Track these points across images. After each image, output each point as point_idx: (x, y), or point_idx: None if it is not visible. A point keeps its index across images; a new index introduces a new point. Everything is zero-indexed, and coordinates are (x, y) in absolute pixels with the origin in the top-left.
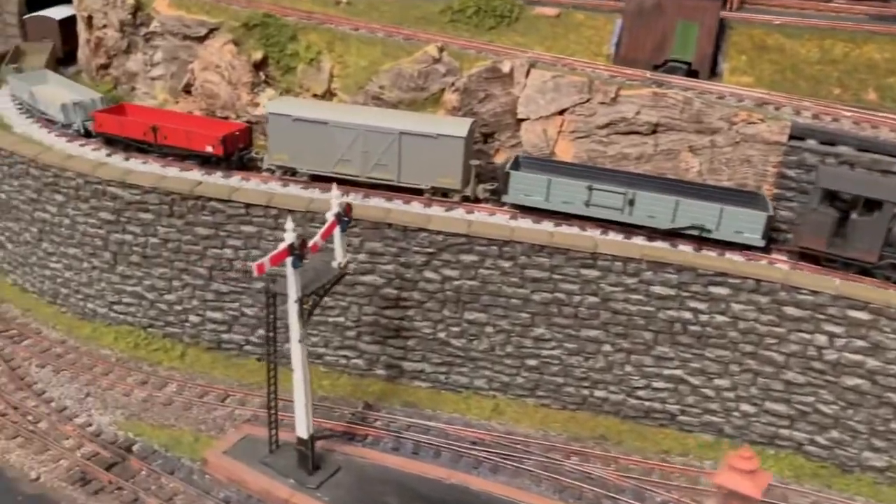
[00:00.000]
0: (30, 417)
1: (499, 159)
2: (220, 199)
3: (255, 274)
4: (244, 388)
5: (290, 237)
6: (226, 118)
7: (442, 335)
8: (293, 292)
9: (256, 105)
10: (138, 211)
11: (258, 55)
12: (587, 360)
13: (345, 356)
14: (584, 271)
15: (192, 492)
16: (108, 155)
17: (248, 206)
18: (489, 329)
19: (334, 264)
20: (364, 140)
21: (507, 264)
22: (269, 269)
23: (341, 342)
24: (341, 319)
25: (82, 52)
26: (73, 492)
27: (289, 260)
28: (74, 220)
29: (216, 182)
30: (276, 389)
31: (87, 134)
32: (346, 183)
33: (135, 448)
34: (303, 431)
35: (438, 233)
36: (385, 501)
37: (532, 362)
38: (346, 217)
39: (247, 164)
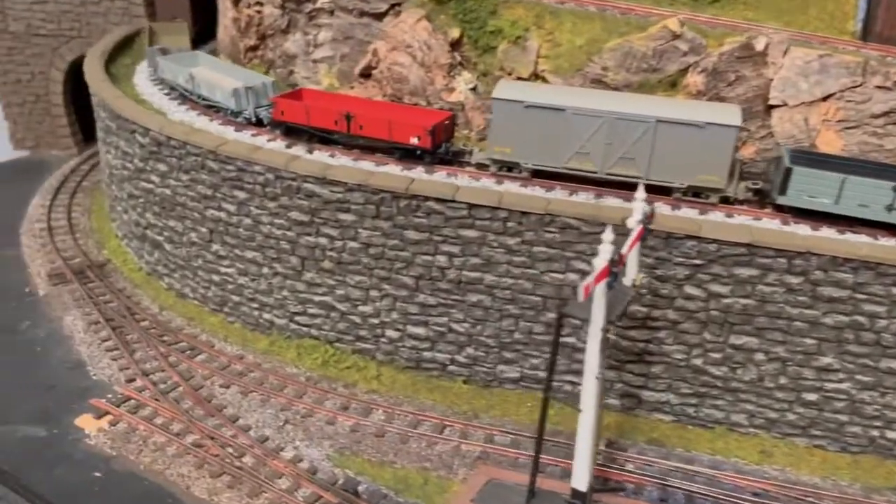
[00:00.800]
0: (229, 450)
1: (746, 153)
2: (440, 199)
3: (581, 298)
4: (458, 416)
5: (607, 251)
6: (414, 105)
7: (697, 362)
8: (600, 318)
9: (452, 91)
10: (337, 211)
11: (455, 33)
12: (884, 395)
13: (570, 381)
14: None
15: None
16: (288, 147)
17: (471, 206)
18: (760, 356)
19: (626, 282)
20: (610, 130)
21: (795, 280)
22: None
23: (568, 366)
24: (571, 339)
25: (225, 33)
26: None
27: (603, 282)
28: (257, 219)
29: (433, 179)
30: (543, 428)
31: (259, 122)
32: (573, 179)
33: (360, 490)
34: (581, 482)
35: (712, 241)
36: None
37: (811, 396)
38: (649, 225)
39: (451, 159)
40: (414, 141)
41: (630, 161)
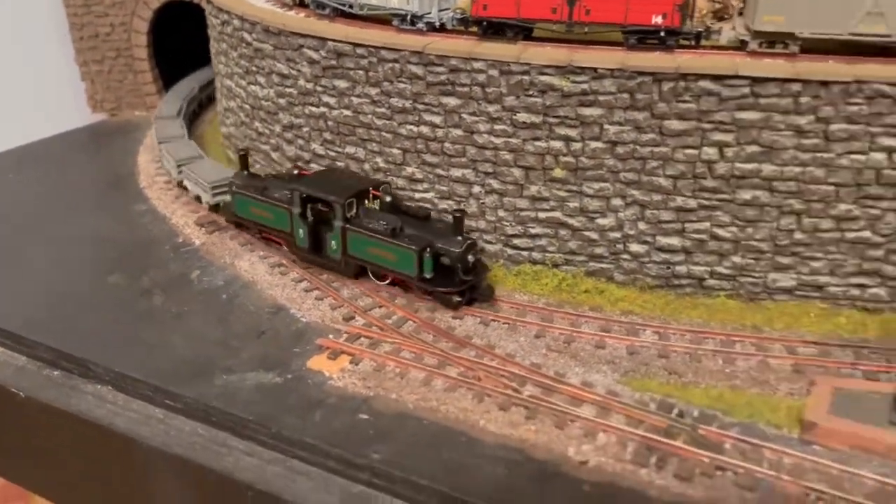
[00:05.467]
0: (504, 380)
1: None
2: (718, 76)
3: None
4: (741, 331)
5: None
6: None
7: None
8: None
9: None
10: (580, 106)
11: None
12: None
13: (859, 285)
14: None
15: (829, 467)
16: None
17: (755, 82)
18: None
19: None
20: None
21: None
22: None
23: (858, 266)
24: (866, 234)
25: None
26: (653, 474)
27: None
28: (471, 129)
29: (705, 55)
30: None
31: (442, 27)
32: (851, 52)
33: (680, 413)
34: None
35: None
36: None
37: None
38: None
39: (694, 42)
40: (657, 20)
41: None
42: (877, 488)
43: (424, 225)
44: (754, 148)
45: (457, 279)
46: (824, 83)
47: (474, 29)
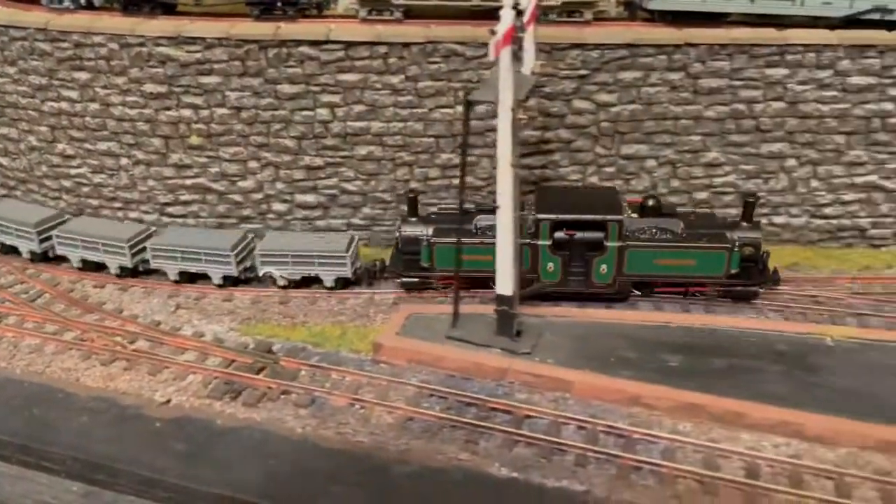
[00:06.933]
0: (117, 338)
1: None
2: (315, 42)
3: (492, 56)
4: None
5: (509, 15)
6: None
7: (594, 179)
8: (508, 95)
9: None
10: (199, 74)
11: None
12: (767, 181)
13: None
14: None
15: (379, 381)
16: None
17: (347, 45)
18: (651, 163)
19: (525, 71)
20: None
21: (676, 76)
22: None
23: None
24: (470, 180)
25: None
26: (226, 406)
27: (506, 50)
28: (106, 101)
29: (301, 24)
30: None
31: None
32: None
33: (275, 349)
34: (507, 287)
35: (595, 47)
36: (622, 354)
37: (702, 195)
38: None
39: (315, 11)
40: None
41: None
42: (416, 392)
43: (684, 220)
44: (361, 107)
45: (760, 267)
46: (406, 45)
47: (116, 6)
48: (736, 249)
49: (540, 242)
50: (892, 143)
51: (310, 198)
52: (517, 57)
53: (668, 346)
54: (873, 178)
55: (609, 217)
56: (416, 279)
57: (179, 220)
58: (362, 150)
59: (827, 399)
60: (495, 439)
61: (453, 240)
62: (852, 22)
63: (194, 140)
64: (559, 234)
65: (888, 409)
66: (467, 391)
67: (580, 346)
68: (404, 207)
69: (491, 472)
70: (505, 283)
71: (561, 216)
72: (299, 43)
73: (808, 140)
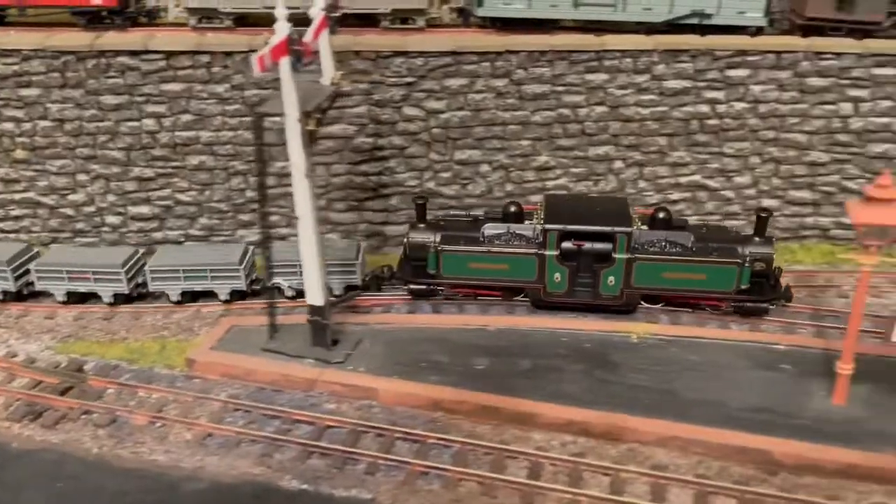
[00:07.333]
0: None
1: None
2: (134, 52)
3: (257, 71)
4: None
5: (284, 27)
6: None
7: (430, 185)
8: (292, 105)
9: None
10: (18, 87)
11: None
12: (597, 183)
13: None
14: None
15: (186, 397)
16: None
17: (168, 55)
18: (485, 167)
19: (324, 81)
20: None
21: (501, 83)
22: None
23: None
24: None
25: None
26: (24, 429)
27: (285, 61)
28: None
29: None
30: (271, 254)
31: None
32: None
33: (87, 368)
34: (317, 297)
35: (418, 55)
36: (434, 359)
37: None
38: (335, 13)
39: (146, 19)
40: (97, 1)
41: None
42: (221, 406)
43: (695, 233)
44: (188, 117)
45: (771, 283)
46: (229, 53)
47: None
48: (746, 265)
49: (547, 252)
50: (711, 144)
51: (144, 209)
52: (296, 68)
53: (481, 349)
54: (697, 177)
55: (618, 229)
56: (423, 286)
57: (12, 236)
58: (194, 160)
59: (618, 395)
60: (290, 451)
61: (461, 247)
62: (673, 26)
63: (19, 154)
64: (567, 245)
65: (677, 404)
66: (273, 404)
67: (394, 353)
68: (242, 217)
69: (281, 486)
70: (315, 293)
71: (569, 227)
72: (118, 53)
73: (632, 142)
